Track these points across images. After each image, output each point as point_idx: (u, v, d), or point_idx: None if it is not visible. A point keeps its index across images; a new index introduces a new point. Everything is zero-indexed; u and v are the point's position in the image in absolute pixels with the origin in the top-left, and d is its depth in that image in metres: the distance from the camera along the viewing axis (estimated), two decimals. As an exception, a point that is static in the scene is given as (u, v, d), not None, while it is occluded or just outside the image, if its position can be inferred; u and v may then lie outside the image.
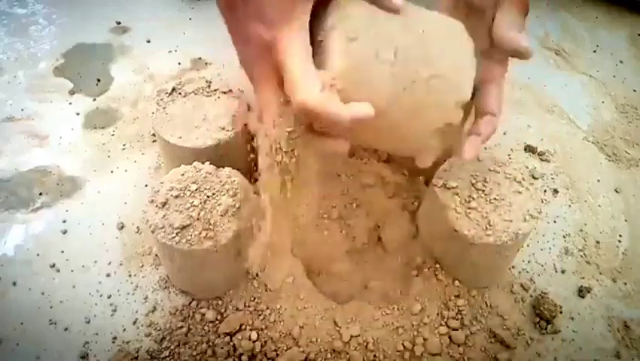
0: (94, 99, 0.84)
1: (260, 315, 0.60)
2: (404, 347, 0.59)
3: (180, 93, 0.68)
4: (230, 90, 0.68)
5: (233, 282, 0.61)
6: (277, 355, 0.58)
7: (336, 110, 0.40)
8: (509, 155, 0.79)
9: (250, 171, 0.70)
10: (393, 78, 0.42)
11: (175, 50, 0.92)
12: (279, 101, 0.44)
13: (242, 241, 0.57)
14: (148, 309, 0.61)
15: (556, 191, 0.76)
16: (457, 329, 0.60)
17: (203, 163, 0.60)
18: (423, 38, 0.43)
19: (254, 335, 0.58)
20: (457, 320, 0.61)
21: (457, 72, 0.44)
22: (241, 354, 0.57)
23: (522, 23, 0.47)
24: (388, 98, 0.42)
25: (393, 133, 0.45)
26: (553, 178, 0.77)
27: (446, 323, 0.60)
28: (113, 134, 0.79)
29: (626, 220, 0.74)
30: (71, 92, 0.85)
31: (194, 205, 0.56)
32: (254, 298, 0.61)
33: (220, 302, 0.61)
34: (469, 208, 0.57)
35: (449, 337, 0.60)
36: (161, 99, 0.67)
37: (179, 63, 0.90)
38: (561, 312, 0.63)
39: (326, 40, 0.43)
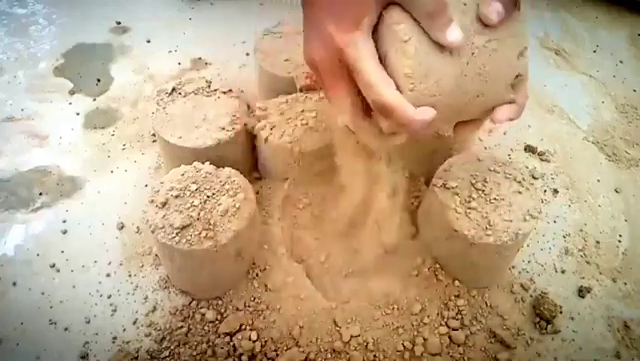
0: (94, 99, 0.84)
1: (260, 315, 0.60)
2: (404, 347, 0.59)
3: (180, 93, 0.68)
4: (230, 90, 0.68)
5: (233, 282, 0.61)
6: (277, 355, 0.58)
7: (412, 110, 0.43)
8: (509, 155, 0.79)
9: (250, 171, 0.70)
10: (453, 56, 0.44)
11: (175, 50, 0.93)
12: (350, 98, 0.47)
13: (242, 241, 0.57)
14: (148, 309, 0.61)
15: (556, 191, 0.76)
16: (457, 329, 0.60)
17: (203, 163, 0.60)
18: (466, 10, 0.45)
19: (254, 335, 0.58)
20: (457, 320, 0.61)
21: (507, 28, 0.46)
22: (241, 354, 0.57)
23: None
24: (456, 74, 0.44)
25: (466, 104, 0.47)
26: (553, 178, 0.77)
27: (446, 323, 0.60)
28: (113, 135, 0.79)
29: (626, 220, 0.74)
30: (71, 92, 0.85)
31: (194, 205, 0.56)
32: (254, 298, 0.61)
33: (220, 302, 0.61)
34: (469, 208, 0.57)
35: (449, 337, 0.60)
36: (161, 99, 0.67)
37: (179, 63, 0.90)
38: (561, 312, 0.63)
39: (383, 48, 0.46)
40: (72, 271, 0.64)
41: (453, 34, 0.42)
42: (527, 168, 0.78)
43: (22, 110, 0.82)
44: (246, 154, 0.68)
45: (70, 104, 0.83)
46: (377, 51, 0.45)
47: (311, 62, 0.49)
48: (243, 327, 0.59)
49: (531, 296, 0.64)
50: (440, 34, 0.42)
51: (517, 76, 0.48)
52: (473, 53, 0.44)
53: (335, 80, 0.47)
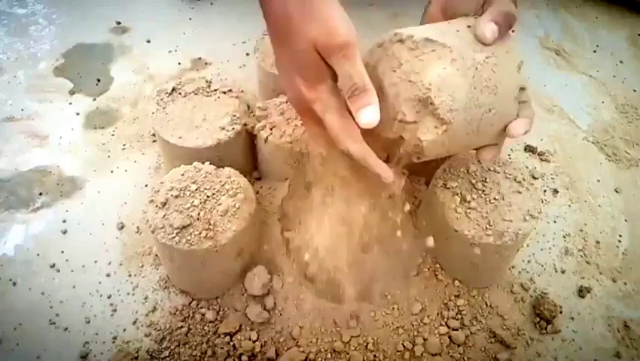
0: (94, 99, 0.84)
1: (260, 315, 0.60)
2: (404, 347, 0.59)
3: (180, 93, 0.68)
4: (230, 90, 0.68)
5: (232, 282, 0.61)
6: (277, 355, 0.58)
7: (374, 162, 0.47)
8: (509, 155, 0.79)
9: (250, 171, 0.70)
10: (460, 71, 0.46)
11: (175, 50, 0.93)
12: (324, 136, 0.48)
13: (242, 241, 0.57)
14: (148, 309, 0.61)
15: (556, 191, 0.76)
16: (457, 329, 0.60)
17: (203, 163, 0.60)
18: (461, 35, 0.47)
19: (254, 335, 0.58)
20: (457, 320, 0.61)
21: (502, 45, 0.49)
22: (241, 354, 0.57)
23: (509, 12, 0.48)
24: (467, 87, 0.46)
25: (481, 120, 0.48)
26: (553, 178, 0.77)
27: (446, 323, 0.60)
28: (113, 135, 0.79)
29: (626, 220, 0.74)
30: (71, 92, 0.85)
31: (194, 205, 0.56)
32: (254, 298, 0.61)
33: (220, 302, 0.61)
34: (469, 208, 0.57)
35: (449, 337, 0.60)
36: (161, 99, 0.67)
37: (179, 63, 0.90)
38: (561, 312, 0.63)
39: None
40: (72, 271, 0.64)
41: (368, 116, 0.44)
42: (527, 168, 0.78)
43: (22, 110, 0.82)
44: (246, 154, 0.68)
45: (70, 104, 0.83)
46: (373, 79, 0.46)
47: (292, 103, 0.51)
48: (243, 327, 0.59)
49: (531, 296, 0.64)
50: (356, 114, 0.44)
51: (521, 89, 0.50)
52: (477, 68, 0.46)
53: (308, 120, 0.49)
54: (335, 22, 0.43)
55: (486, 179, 0.59)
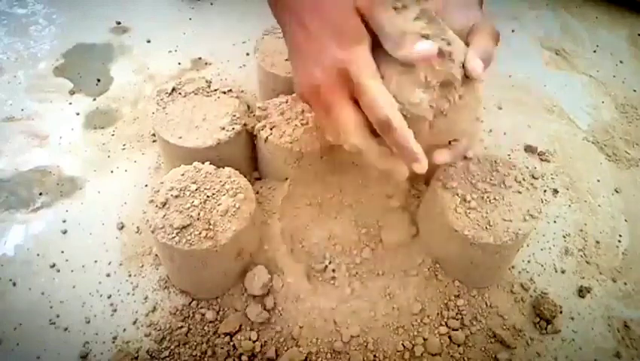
0: (94, 99, 0.84)
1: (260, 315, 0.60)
2: (404, 347, 0.59)
3: (180, 93, 0.68)
4: (230, 90, 0.68)
5: (232, 282, 0.61)
6: (277, 355, 0.58)
7: (410, 135, 0.44)
8: (509, 155, 0.79)
9: (250, 171, 0.70)
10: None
11: (175, 50, 0.93)
12: (354, 117, 0.46)
13: (242, 241, 0.57)
14: (148, 309, 0.61)
15: (556, 191, 0.76)
16: (457, 329, 0.60)
17: (203, 163, 0.60)
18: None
19: (254, 335, 0.58)
20: (457, 320, 0.61)
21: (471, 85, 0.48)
22: (241, 354, 0.57)
23: (491, 51, 0.48)
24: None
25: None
26: (553, 178, 0.77)
27: (446, 323, 0.60)
28: (113, 135, 0.79)
29: (626, 220, 0.74)
30: (71, 92, 0.85)
31: (194, 205, 0.56)
32: (254, 298, 0.61)
33: (220, 302, 0.61)
34: (469, 208, 0.57)
35: (449, 337, 0.60)
36: (161, 99, 0.67)
37: (179, 63, 0.90)
38: (561, 312, 0.63)
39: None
40: (72, 271, 0.64)
41: (422, 46, 0.43)
42: (527, 168, 0.78)
43: (22, 110, 0.82)
44: (246, 154, 0.68)
45: (70, 104, 0.83)
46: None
47: (309, 90, 0.48)
48: (243, 327, 0.59)
49: (531, 296, 0.64)
50: (410, 50, 0.44)
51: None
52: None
53: (337, 100, 0.46)
54: None
55: (486, 179, 0.59)
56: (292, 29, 0.48)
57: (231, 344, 0.58)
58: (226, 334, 0.58)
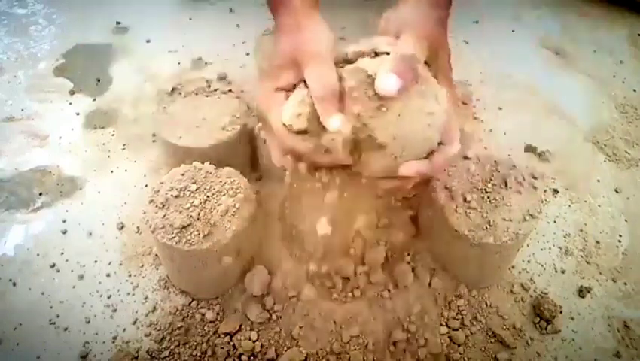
0: (94, 99, 0.84)
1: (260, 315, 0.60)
2: (404, 347, 0.59)
3: (180, 93, 0.68)
4: (230, 90, 0.68)
5: (232, 282, 0.61)
6: (277, 355, 0.58)
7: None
8: (509, 155, 0.79)
9: (250, 171, 0.70)
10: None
11: (175, 50, 0.93)
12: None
13: (242, 241, 0.57)
14: (148, 309, 0.61)
15: (556, 191, 0.76)
16: (457, 329, 0.60)
17: (203, 163, 0.60)
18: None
19: (254, 335, 0.58)
20: (457, 320, 0.61)
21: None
22: (241, 354, 0.57)
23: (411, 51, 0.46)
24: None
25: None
26: (553, 178, 0.77)
27: (446, 323, 0.60)
28: (113, 135, 0.79)
29: (626, 220, 0.74)
30: (71, 92, 0.85)
31: (194, 205, 0.56)
32: (254, 298, 0.61)
33: (220, 302, 0.61)
34: (469, 208, 0.57)
35: (449, 337, 0.60)
36: (161, 99, 0.67)
37: (179, 63, 0.90)
38: (561, 312, 0.63)
39: None
40: (72, 271, 0.64)
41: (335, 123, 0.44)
42: (527, 168, 0.78)
43: (22, 110, 0.82)
44: (246, 154, 0.68)
45: (70, 104, 0.83)
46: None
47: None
48: (243, 327, 0.59)
49: (531, 296, 0.64)
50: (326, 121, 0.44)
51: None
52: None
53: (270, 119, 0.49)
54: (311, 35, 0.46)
55: (486, 179, 0.59)
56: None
57: (231, 344, 0.58)
58: (226, 334, 0.58)
